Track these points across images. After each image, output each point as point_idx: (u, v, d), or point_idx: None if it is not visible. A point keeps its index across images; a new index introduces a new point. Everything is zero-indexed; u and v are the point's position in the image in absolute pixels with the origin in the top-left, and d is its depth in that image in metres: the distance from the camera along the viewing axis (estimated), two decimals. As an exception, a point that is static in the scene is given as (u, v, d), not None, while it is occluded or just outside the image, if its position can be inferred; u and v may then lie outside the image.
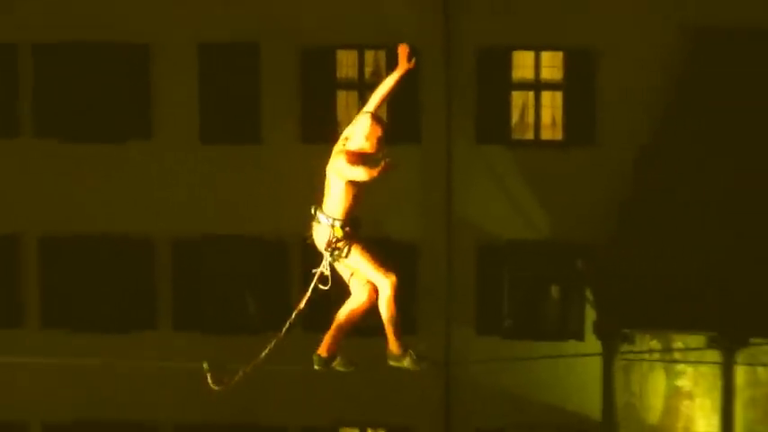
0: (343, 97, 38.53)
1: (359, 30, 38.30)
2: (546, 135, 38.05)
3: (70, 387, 39.01)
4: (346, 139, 15.25)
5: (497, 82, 38.05)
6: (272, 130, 38.58)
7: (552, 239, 38.25)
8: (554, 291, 38.80)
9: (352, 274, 15.81)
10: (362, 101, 36.56)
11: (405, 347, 15.79)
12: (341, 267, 15.59)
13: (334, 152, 15.28)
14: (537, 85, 37.95)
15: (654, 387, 37.79)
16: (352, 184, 15.27)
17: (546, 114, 38.08)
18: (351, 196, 15.36)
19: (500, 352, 37.86)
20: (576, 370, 37.66)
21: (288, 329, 15.80)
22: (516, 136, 38.24)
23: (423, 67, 37.43)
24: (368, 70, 38.50)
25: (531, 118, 38.04)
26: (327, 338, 15.75)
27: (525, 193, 38.06)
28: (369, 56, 38.53)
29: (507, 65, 38.11)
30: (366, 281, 15.75)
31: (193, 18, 38.48)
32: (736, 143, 38.33)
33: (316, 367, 15.76)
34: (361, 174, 14.94)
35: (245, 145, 38.63)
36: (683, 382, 37.48)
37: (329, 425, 39.34)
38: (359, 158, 14.99)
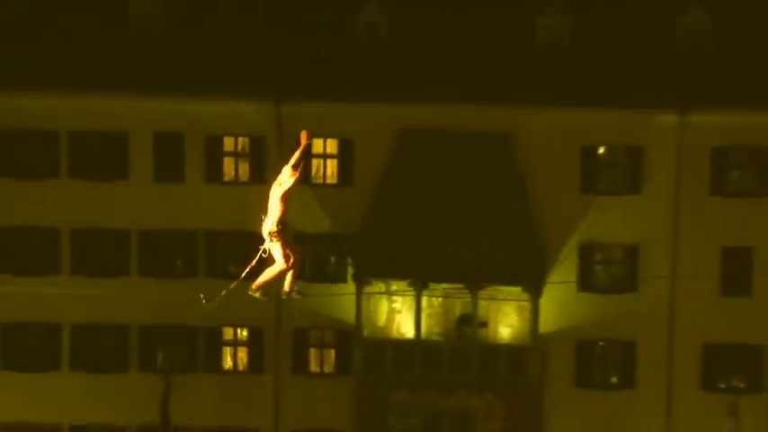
0: (227, 161, 40.31)
1: (234, 125, 40.03)
2: (329, 181, 40.08)
3: (85, 306, 40.23)
4: (280, 182, 14.91)
5: (306, 154, 42.00)
6: (191, 175, 40.31)
7: (332, 232, 39.85)
8: (332, 258, 40.30)
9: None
10: (236, 164, 39.90)
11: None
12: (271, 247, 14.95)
13: (273, 188, 14.97)
14: (324, 156, 40.07)
15: (381, 308, 40.27)
16: (282, 200, 14.78)
17: (329, 171, 40.08)
18: (282, 208, 14.94)
19: (307, 290, 39.59)
20: (344, 299, 39.21)
21: (243, 277, 15.64)
22: (315, 181, 39.88)
23: (268, 145, 39.49)
24: (239, 147, 40.23)
25: (321, 172, 40.02)
26: (260, 282, 15.34)
27: (319, 210, 39.63)
28: (240, 139, 40.25)
29: (309, 146, 41.39)
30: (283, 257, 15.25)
31: (150, 119, 39.90)
32: (433, 187, 39.30)
33: (256, 296, 15.43)
34: (292, 179, 14.72)
35: (176, 183, 40.28)
36: (396, 305, 40.26)
37: (218, 326, 40.39)
38: (288, 192, 14.66)
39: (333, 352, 41.07)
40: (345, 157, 40.16)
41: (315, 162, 40.39)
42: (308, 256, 39.71)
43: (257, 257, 15.37)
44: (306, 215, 39.55)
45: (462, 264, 38.86)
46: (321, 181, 40.34)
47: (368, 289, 39.56)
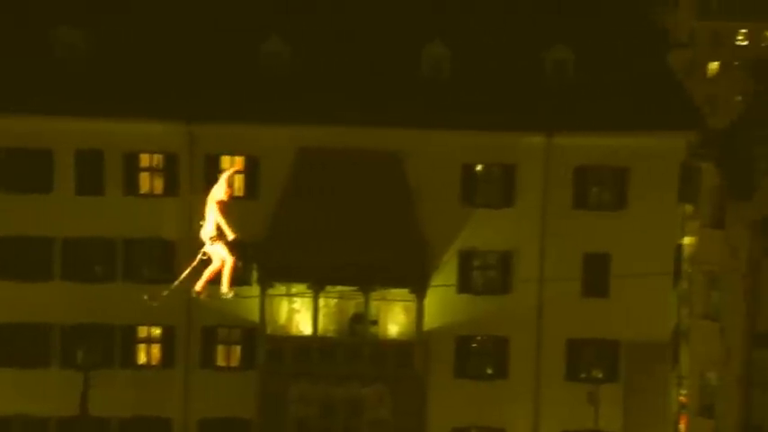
0: (143, 176, 40.63)
1: (150, 144, 40.38)
2: (236, 194, 36.49)
3: (12, 307, 39.98)
4: (214, 194, 14.83)
5: (214, 169, 38.48)
6: (110, 189, 40.61)
7: (238, 240, 41.21)
8: (239, 263, 40.70)
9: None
10: (152, 178, 39.71)
11: (226, 289, 14.89)
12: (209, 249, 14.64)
13: (209, 198, 14.86)
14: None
15: (282, 308, 40.48)
16: (219, 208, 14.81)
17: (236, 185, 39.19)
18: (218, 215, 15.00)
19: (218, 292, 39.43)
20: (249, 300, 38.88)
21: (180, 280, 15.15)
22: None
23: (180, 161, 39.82)
24: (154, 163, 40.52)
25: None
26: (203, 281, 14.97)
27: (232, 220, 40.91)
28: (155, 156, 40.48)
29: (218, 163, 39.55)
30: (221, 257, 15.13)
31: (72, 138, 40.05)
32: (330, 200, 39.43)
33: (194, 296, 14.97)
34: (222, 222, 14.73)
35: (96, 195, 40.48)
36: (296, 306, 40.49)
37: (133, 324, 40.43)
38: (223, 204, 14.74)
39: (239, 348, 41.20)
40: (251, 172, 40.37)
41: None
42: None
43: (197, 260, 15.30)
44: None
45: (356, 268, 39.12)
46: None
47: (271, 291, 39.66)
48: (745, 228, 37.64)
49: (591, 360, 40.67)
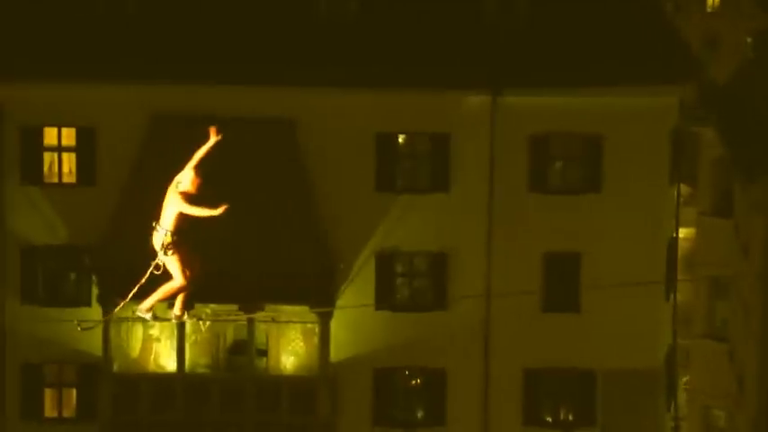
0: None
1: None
2: (66, 180, 35.42)
3: None
4: (178, 182, 13.36)
5: (35, 146, 35.24)
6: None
7: (70, 243, 35.12)
8: (72, 276, 35.95)
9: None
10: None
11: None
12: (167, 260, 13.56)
13: (170, 190, 13.38)
14: (59, 149, 35.43)
15: (134, 335, 36.17)
16: (180, 207, 13.46)
17: (66, 167, 35.51)
18: (178, 216, 13.54)
19: (42, 315, 34.08)
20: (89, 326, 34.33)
21: (132, 294, 14.10)
22: (47, 180, 35.74)
23: None
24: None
25: (55, 169, 35.63)
26: (152, 300, 14.09)
27: (53, 216, 35.41)
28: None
29: (40, 137, 35.26)
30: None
31: None
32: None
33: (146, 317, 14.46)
34: (201, 212, 13.24)
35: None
36: (154, 332, 36.24)
37: None
38: (190, 197, 13.28)
39: (74, 392, 36.86)
40: (85, 149, 35.68)
41: (47, 157, 36.22)
42: (39, 274, 35.99)
43: (148, 273, 13.95)
44: (36, 223, 35.86)
45: (235, 278, 34.23)
46: (56, 180, 35.64)
47: (117, 313, 33.08)
48: (760, 216, 33.87)
49: (557, 397, 36.69)
